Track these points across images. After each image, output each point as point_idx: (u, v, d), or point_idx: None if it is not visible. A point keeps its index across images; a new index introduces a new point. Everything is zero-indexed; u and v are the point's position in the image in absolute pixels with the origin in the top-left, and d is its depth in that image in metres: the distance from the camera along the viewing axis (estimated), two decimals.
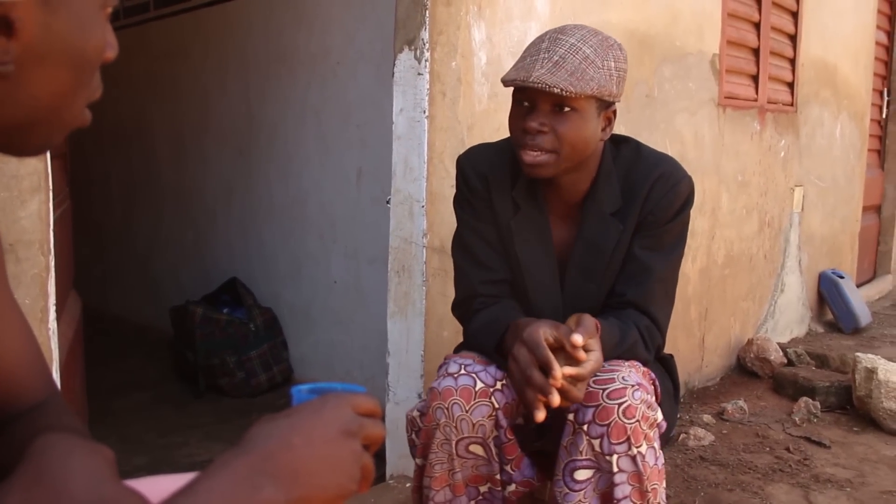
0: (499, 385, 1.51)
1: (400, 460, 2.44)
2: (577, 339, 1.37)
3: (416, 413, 1.59)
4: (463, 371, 1.51)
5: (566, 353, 1.39)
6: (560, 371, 1.35)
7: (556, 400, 1.36)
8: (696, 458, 2.78)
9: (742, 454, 2.83)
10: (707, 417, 3.17)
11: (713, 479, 2.62)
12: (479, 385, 1.49)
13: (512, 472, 1.54)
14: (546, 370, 1.37)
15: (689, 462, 2.74)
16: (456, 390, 1.49)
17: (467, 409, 1.48)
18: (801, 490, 2.55)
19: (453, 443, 1.49)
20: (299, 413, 0.66)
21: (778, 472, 2.68)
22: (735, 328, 3.86)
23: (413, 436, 1.59)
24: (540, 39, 1.52)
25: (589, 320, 1.43)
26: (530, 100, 1.50)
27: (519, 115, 1.53)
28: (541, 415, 1.38)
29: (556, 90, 1.42)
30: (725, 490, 2.54)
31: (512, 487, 1.55)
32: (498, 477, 1.54)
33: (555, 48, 1.47)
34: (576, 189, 1.62)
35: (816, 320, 4.69)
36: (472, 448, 1.51)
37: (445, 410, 1.49)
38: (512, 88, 1.54)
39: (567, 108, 1.48)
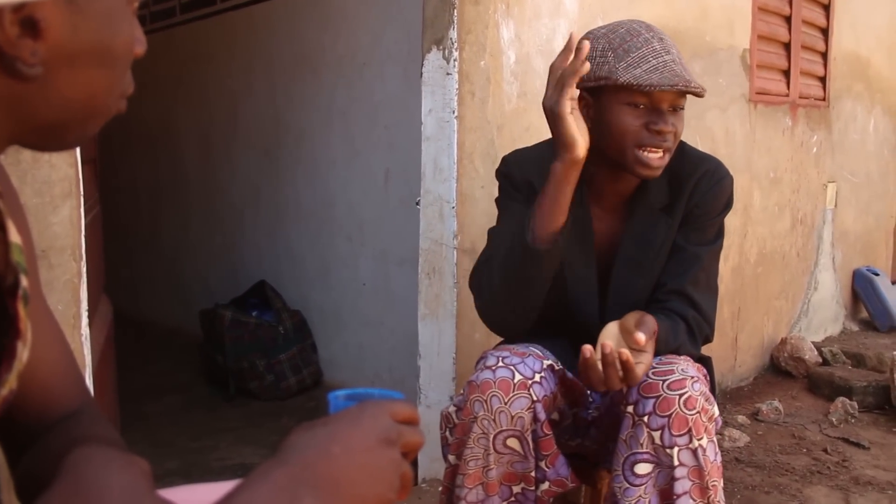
0: (537, 377, 1.49)
1: (433, 464, 2.42)
2: (640, 337, 1.39)
3: (452, 409, 1.57)
4: (501, 363, 1.49)
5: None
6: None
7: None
8: (732, 459, 2.74)
9: (778, 456, 2.78)
10: (741, 418, 3.12)
11: (749, 481, 2.57)
12: (518, 377, 1.47)
13: (546, 470, 1.52)
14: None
15: (724, 464, 2.67)
16: (494, 382, 1.47)
17: (506, 401, 1.46)
18: (840, 493, 2.50)
19: (491, 436, 1.47)
20: (338, 421, 0.65)
21: (816, 475, 2.62)
22: (768, 327, 3.80)
23: (447, 433, 1.57)
24: (646, 41, 1.50)
25: (650, 321, 1.46)
26: (653, 101, 1.50)
27: (636, 115, 1.51)
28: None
29: (700, 91, 1.48)
30: (763, 492, 2.49)
31: (545, 486, 1.53)
32: (532, 475, 1.51)
33: (667, 48, 1.50)
34: (631, 184, 1.64)
35: (851, 318, 4.60)
36: (510, 442, 1.49)
37: (484, 403, 1.47)
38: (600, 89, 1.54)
39: (681, 108, 1.53)
